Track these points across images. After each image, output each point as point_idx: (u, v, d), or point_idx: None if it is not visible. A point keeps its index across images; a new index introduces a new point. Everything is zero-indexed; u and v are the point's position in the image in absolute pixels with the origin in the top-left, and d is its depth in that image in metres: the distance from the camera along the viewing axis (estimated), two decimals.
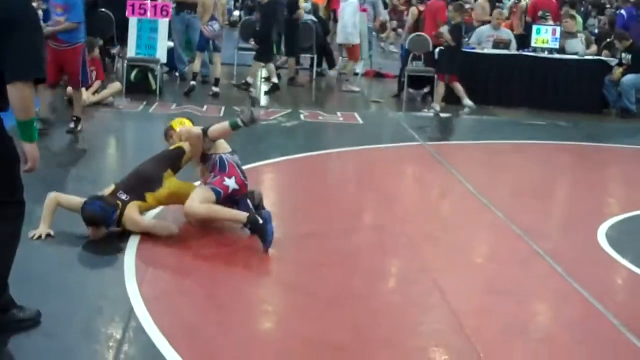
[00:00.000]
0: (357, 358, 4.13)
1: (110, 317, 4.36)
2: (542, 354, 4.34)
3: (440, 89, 12.20)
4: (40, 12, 12.05)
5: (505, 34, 13.70)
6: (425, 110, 12.25)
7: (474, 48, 13.31)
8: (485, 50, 13.24)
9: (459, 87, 12.27)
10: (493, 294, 5.13)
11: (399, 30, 18.59)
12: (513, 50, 13.36)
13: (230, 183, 5.72)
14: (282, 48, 14.65)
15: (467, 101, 12.28)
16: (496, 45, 13.28)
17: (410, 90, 13.34)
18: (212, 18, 11.93)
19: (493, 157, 9.70)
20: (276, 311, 4.77)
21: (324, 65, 15.19)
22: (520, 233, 6.32)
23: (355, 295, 4.99)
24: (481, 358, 4.14)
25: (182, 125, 6.20)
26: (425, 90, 13.29)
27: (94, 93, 10.67)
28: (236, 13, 24.78)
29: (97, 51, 10.87)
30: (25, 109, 3.84)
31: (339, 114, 11.45)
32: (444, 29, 12.13)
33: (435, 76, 12.53)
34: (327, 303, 4.80)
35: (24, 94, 3.80)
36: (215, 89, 12.18)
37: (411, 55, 13.32)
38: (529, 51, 13.39)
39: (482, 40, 13.45)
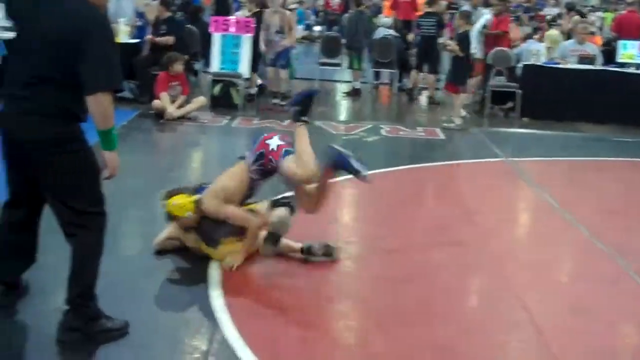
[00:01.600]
0: None
1: (196, 328, 4.42)
2: None
3: (457, 100, 11.86)
4: (128, 29, 12.41)
5: (591, 48, 13.44)
6: (510, 126, 12.07)
7: (558, 63, 13.11)
8: (569, 65, 13.02)
9: (460, 101, 11.89)
10: (580, 313, 5.02)
11: None
12: (599, 65, 13.10)
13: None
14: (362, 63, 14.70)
15: (457, 119, 11.76)
16: (581, 60, 13.04)
17: (493, 105, 13.20)
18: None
19: (578, 173, 9.51)
20: (358, 327, 4.75)
21: (404, 80, 15.14)
22: (607, 251, 6.17)
23: (437, 313, 4.95)
24: None
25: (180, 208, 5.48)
26: (509, 105, 13.13)
27: (178, 107, 10.87)
28: (317, 28, 24.98)
29: (180, 66, 11.05)
30: (105, 118, 3.93)
31: (420, 129, 11.39)
32: (448, 39, 11.90)
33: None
34: (409, 320, 4.77)
35: (104, 104, 3.90)
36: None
37: (494, 70, 13.18)
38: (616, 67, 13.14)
39: (566, 55, 13.23)
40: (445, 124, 11.66)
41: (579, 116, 12.64)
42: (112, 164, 4.08)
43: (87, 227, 4.09)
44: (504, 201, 8.14)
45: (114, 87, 4.01)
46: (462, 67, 11.79)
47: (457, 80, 11.72)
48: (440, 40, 12.41)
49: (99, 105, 3.89)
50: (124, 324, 4.27)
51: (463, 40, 11.61)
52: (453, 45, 11.59)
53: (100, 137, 4.01)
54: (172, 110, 10.70)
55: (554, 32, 14.92)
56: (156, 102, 10.86)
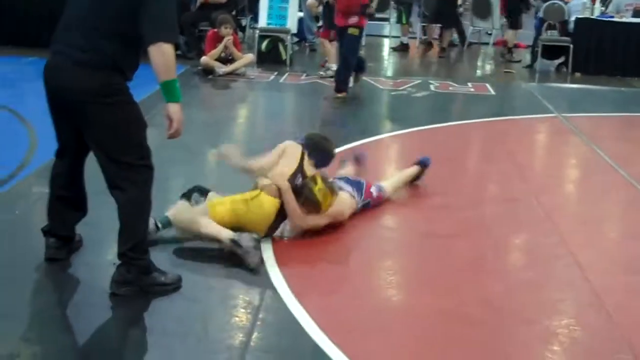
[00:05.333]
0: (493, 334, 4.04)
1: (247, 284, 4.42)
2: None
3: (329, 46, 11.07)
4: None
5: None
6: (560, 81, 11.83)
7: (612, 17, 12.77)
8: (624, 19, 12.68)
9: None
10: (636, 272, 4.92)
11: None
12: None
13: None
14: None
15: (333, 65, 10.88)
16: (636, 13, 12.68)
17: (545, 60, 12.96)
18: None
19: (633, 129, 9.30)
20: (407, 282, 4.73)
21: (455, 35, 14.91)
22: None
23: (488, 269, 4.89)
24: (624, 337, 3.99)
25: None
26: (560, 60, 12.87)
27: (226, 63, 10.85)
28: None
29: (229, 30, 10.89)
30: (168, 68, 3.91)
31: (470, 84, 11.24)
32: None
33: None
34: (459, 276, 4.71)
35: (167, 54, 3.87)
36: None
37: (546, 24, 12.91)
38: None
39: (621, 9, 12.89)
40: (327, 70, 11.09)
41: (633, 71, 12.36)
42: (177, 116, 4.03)
43: (132, 180, 4.06)
44: (558, 157, 8.02)
45: (175, 39, 4.00)
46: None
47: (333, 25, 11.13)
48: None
49: (162, 55, 3.86)
50: (177, 278, 4.28)
51: None
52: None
53: (163, 89, 3.97)
54: (220, 66, 10.69)
55: None
56: (204, 59, 10.85)
